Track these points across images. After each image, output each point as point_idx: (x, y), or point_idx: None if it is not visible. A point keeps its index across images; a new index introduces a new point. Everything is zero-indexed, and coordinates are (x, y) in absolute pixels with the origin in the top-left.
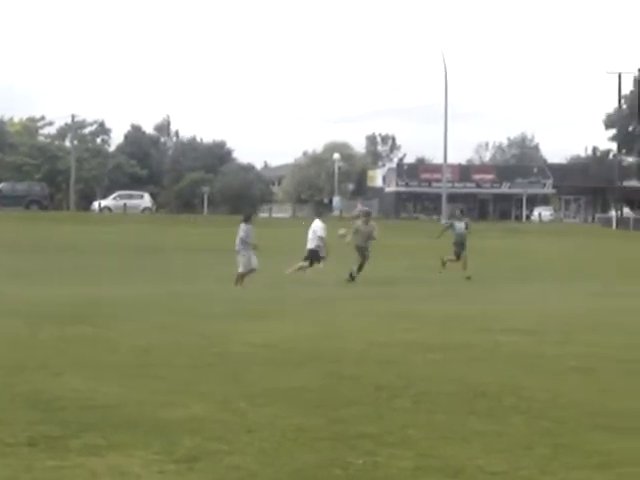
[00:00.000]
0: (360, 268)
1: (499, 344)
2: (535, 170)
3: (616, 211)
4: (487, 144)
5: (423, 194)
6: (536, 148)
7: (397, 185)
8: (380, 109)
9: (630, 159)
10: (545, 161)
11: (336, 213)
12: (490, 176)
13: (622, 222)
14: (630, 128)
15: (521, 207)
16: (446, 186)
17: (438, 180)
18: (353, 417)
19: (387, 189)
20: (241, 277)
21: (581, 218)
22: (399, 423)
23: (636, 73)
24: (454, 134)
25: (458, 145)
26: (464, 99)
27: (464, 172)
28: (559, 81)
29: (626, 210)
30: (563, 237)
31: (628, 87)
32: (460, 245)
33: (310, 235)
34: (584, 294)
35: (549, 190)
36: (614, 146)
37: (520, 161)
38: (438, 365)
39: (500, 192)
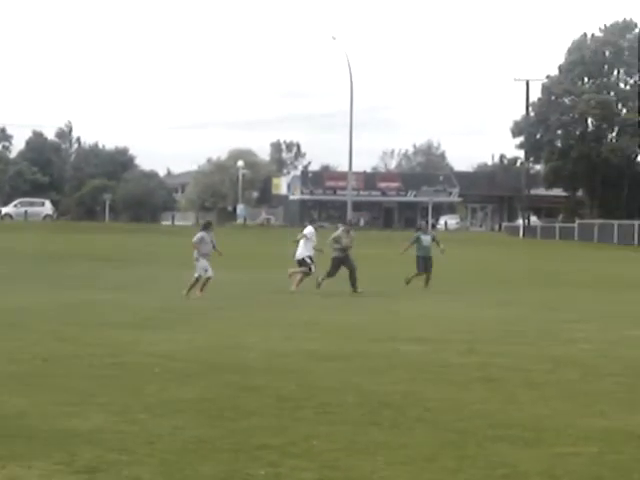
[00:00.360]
0: (353, 281)
1: (403, 354)
2: (441, 178)
3: (523, 219)
4: (393, 152)
5: (328, 202)
6: (442, 156)
7: (302, 193)
8: (285, 116)
9: (537, 167)
10: (451, 169)
11: (240, 221)
12: (396, 184)
13: (529, 230)
14: (538, 136)
15: (427, 215)
16: (351, 194)
17: (343, 188)
18: (255, 428)
19: (292, 197)
20: (195, 283)
21: (487, 227)
22: (302, 434)
23: (544, 80)
24: (360, 141)
25: (364, 153)
26: (370, 106)
27: (369, 180)
28: (466, 88)
29: (533, 219)
30: (469, 246)
31: (536, 94)
32: (427, 259)
33: (302, 242)
34: (490, 303)
35: (455, 198)
36: (521, 154)
37: (426, 169)
38: (341, 375)
39: (406, 200)
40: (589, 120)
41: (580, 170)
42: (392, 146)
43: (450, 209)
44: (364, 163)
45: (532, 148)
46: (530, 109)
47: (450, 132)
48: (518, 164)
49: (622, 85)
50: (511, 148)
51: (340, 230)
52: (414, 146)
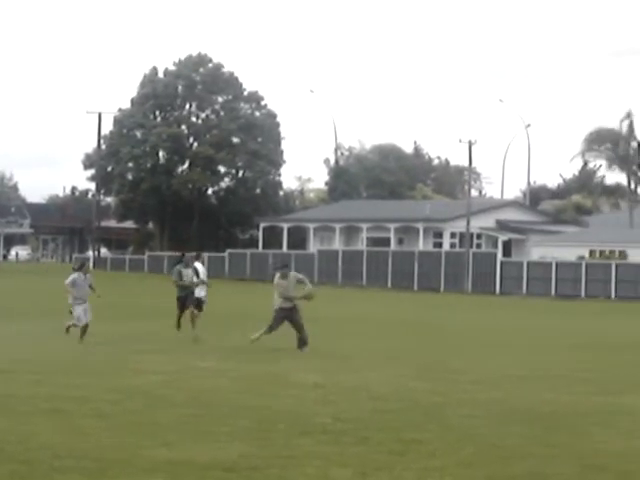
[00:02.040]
0: (301, 338)
1: None
2: (13, 209)
3: (93, 251)
4: None
5: None
6: (15, 187)
7: None
8: None
9: (108, 199)
10: (23, 200)
11: None
12: None
13: (100, 262)
14: (109, 168)
15: None
16: None
17: None
18: None
19: None
20: (83, 330)
21: (59, 258)
22: None
23: (116, 113)
24: None
25: None
26: None
27: None
28: (38, 118)
29: (103, 250)
30: (40, 276)
31: (108, 127)
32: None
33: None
34: (60, 334)
35: (27, 229)
36: (93, 186)
37: None
38: None
39: None
40: (160, 153)
41: (150, 202)
42: None
43: (22, 240)
44: None
45: (103, 180)
46: (102, 142)
47: (22, 163)
48: (89, 196)
49: (194, 119)
50: (83, 180)
51: (277, 277)
52: None
